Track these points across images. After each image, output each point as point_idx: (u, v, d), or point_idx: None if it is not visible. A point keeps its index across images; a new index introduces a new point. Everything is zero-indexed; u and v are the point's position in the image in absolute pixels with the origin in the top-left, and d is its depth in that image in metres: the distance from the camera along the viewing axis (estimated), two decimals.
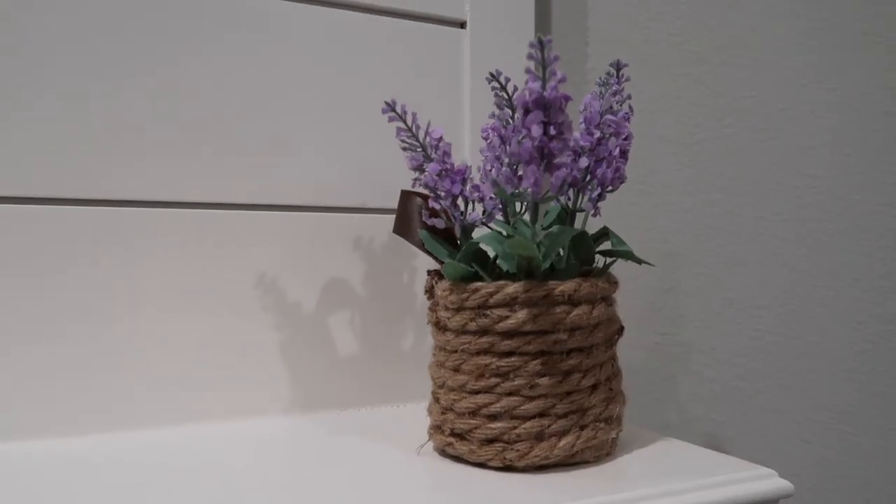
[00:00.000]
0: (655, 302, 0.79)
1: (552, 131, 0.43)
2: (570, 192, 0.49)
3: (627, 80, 0.54)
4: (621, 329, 0.51)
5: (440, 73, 0.70)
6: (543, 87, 0.42)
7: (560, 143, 0.43)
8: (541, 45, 0.42)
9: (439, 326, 0.50)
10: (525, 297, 0.45)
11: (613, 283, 0.49)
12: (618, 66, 0.53)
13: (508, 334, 0.46)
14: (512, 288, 0.45)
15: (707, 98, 0.77)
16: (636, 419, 0.80)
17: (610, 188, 0.52)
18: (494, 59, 0.71)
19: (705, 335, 0.78)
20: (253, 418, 0.61)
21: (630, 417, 0.75)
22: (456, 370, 0.48)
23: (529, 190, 0.44)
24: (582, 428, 0.47)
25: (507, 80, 0.50)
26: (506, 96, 0.53)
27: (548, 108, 0.43)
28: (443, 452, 0.49)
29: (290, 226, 0.64)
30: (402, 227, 0.54)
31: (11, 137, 0.54)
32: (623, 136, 0.49)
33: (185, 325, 0.59)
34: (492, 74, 0.52)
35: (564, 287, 0.46)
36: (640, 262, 0.50)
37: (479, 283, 0.46)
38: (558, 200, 0.51)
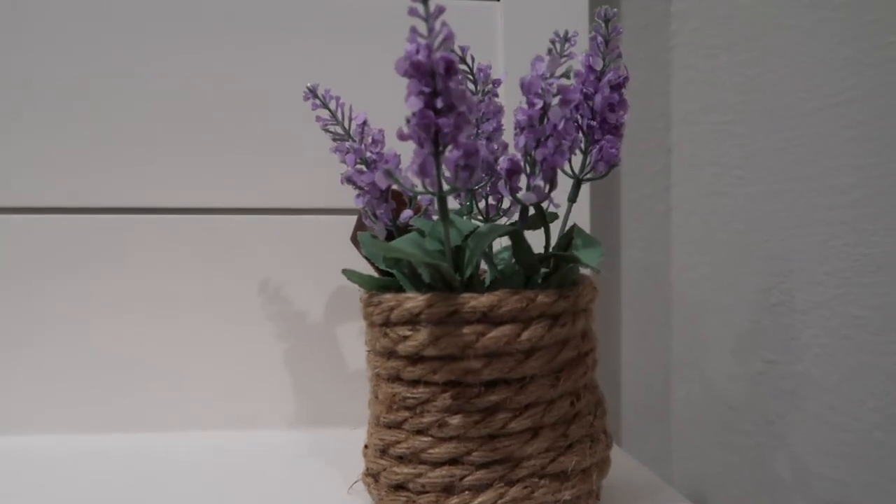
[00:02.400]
0: (759, 320, 0.61)
1: (439, 104, 0.34)
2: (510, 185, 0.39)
3: (618, 33, 0.41)
4: (586, 355, 0.39)
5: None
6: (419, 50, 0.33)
7: (450, 118, 0.34)
8: None
9: (367, 345, 0.42)
10: (428, 314, 0.36)
11: (567, 297, 0.37)
12: (605, 17, 0.41)
13: (412, 359, 0.37)
14: (412, 302, 0.37)
15: (824, 52, 0.58)
16: (729, 469, 0.63)
17: (589, 173, 0.40)
18: (530, 32, 0.61)
19: (828, 366, 0.58)
20: (254, 430, 0.59)
21: (721, 466, 0.60)
22: (375, 396, 0.41)
23: (426, 180, 0.35)
24: (510, 484, 0.36)
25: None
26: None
27: (429, 75, 0.34)
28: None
29: (297, 230, 0.60)
30: (354, 235, 0.48)
31: (21, 150, 0.57)
32: (573, 104, 0.38)
33: (187, 331, 0.59)
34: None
35: (477, 301, 0.36)
36: (595, 269, 0.38)
37: (386, 296, 0.38)
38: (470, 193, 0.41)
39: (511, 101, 0.44)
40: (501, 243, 0.51)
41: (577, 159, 0.42)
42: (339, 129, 0.43)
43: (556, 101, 0.38)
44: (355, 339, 0.61)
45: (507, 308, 0.36)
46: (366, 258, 0.44)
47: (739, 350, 0.62)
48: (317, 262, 0.60)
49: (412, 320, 0.37)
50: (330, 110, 0.43)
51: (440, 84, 0.34)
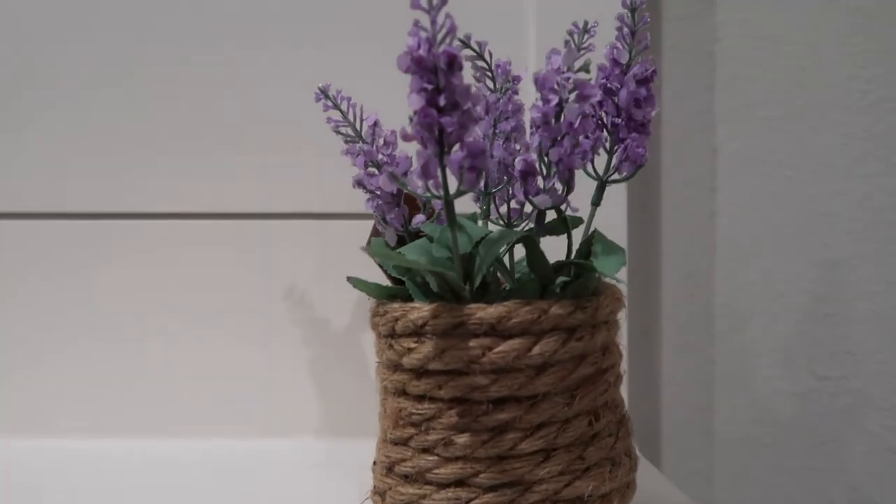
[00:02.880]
0: (812, 331, 0.57)
1: (442, 102, 0.32)
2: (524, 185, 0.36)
3: (645, 23, 0.38)
4: (606, 371, 0.36)
5: (502, 30, 0.59)
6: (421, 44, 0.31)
7: (454, 117, 0.32)
8: None
9: (377, 356, 0.40)
10: (433, 325, 0.34)
11: (585, 308, 0.35)
12: (631, 7, 0.38)
13: (417, 372, 0.35)
14: (417, 312, 0.34)
15: (889, 39, 0.53)
16: (777, 493, 0.58)
17: (613, 174, 0.38)
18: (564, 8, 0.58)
19: (888, 383, 0.53)
20: (276, 438, 0.58)
21: (768, 490, 0.56)
22: (384, 410, 0.39)
23: (430, 183, 0.33)
24: None
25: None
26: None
27: (431, 71, 0.32)
28: None
29: (323, 234, 0.59)
30: (370, 242, 0.46)
31: (32, 154, 0.58)
32: (591, 99, 0.35)
33: (210, 336, 0.59)
34: (461, 41, 0.41)
35: (485, 313, 0.33)
36: (614, 279, 0.35)
37: (392, 305, 0.36)
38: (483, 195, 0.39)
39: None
40: (522, 253, 0.48)
41: (602, 160, 0.40)
42: (350, 131, 0.41)
43: (572, 96, 0.35)
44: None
45: (517, 320, 0.33)
46: (379, 265, 0.42)
47: (790, 364, 0.58)
48: (342, 268, 0.59)
49: (417, 332, 0.35)
50: (341, 111, 0.41)
51: (442, 80, 0.31)
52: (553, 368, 0.34)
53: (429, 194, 0.34)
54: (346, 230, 0.59)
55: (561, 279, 0.38)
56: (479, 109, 0.40)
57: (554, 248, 0.39)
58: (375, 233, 0.45)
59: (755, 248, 0.60)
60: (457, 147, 0.33)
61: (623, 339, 0.57)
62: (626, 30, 0.39)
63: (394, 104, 0.44)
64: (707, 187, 0.62)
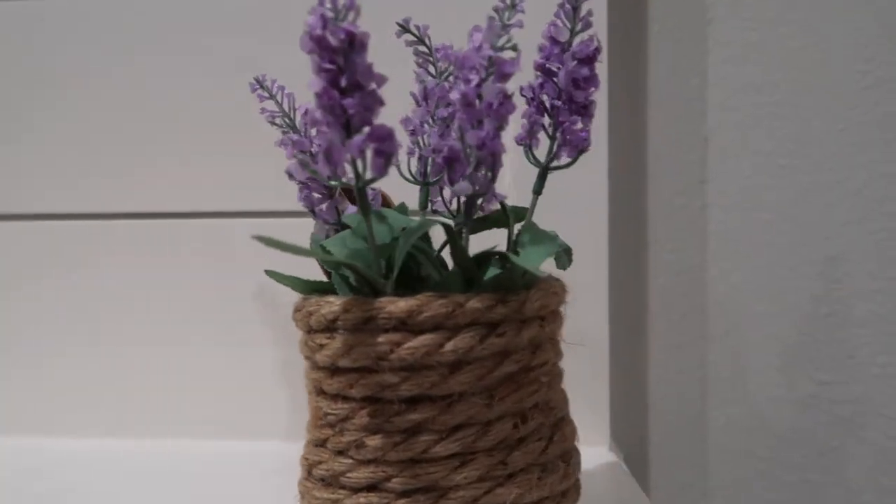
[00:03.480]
0: (810, 333, 0.52)
1: (343, 83, 0.30)
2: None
3: None
4: (535, 369, 0.33)
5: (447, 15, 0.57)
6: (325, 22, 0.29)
7: (356, 98, 0.30)
8: None
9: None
10: (344, 320, 0.32)
11: (507, 303, 0.32)
12: None
13: (329, 370, 0.33)
14: (329, 307, 0.33)
15: (890, 17, 0.49)
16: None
17: (553, 160, 0.35)
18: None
19: (891, 388, 0.49)
20: (254, 441, 0.57)
21: (768, 501, 0.53)
22: (309, 409, 0.37)
23: (336, 169, 0.31)
24: None
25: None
26: (426, 49, 0.40)
27: (332, 50, 0.30)
28: None
29: (298, 233, 0.58)
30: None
31: (22, 155, 0.59)
32: (510, 77, 0.33)
33: (199, 337, 0.58)
34: (400, 25, 0.39)
35: (395, 307, 0.31)
36: (535, 272, 0.32)
37: (310, 300, 0.35)
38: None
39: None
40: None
41: (544, 149, 0.37)
42: (286, 122, 0.40)
43: (489, 81, 0.33)
44: None
45: (429, 314, 0.31)
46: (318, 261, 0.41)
47: (787, 369, 0.54)
48: (313, 266, 0.58)
49: (329, 327, 0.33)
50: (276, 101, 0.40)
51: (341, 60, 0.30)
52: (470, 366, 0.32)
53: (336, 182, 0.32)
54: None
55: (494, 272, 0.35)
56: (421, 95, 0.38)
57: (497, 240, 0.37)
58: None
59: (749, 244, 0.56)
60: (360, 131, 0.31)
61: (605, 340, 0.54)
62: (567, 5, 0.37)
63: None
64: (697, 179, 0.58)
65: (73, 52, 0.58)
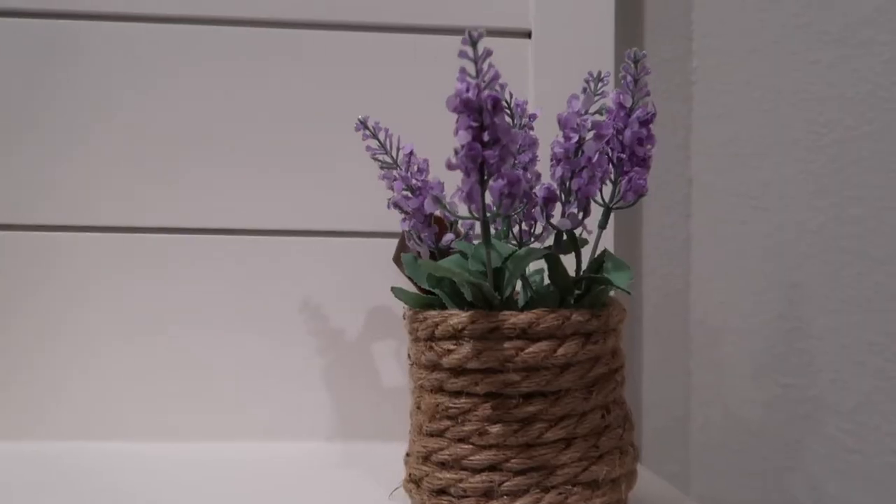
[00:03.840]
0: (777, 345, 0.64)
1: (486, 137, 0.37)
2: (541, 212, 0.42)
3: (647, 73, 0.45)
4: (615, 371, 0.42)
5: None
6: (468, 89, 0.37)
7: (496, 150, 0.37)
8: (471, 40, 0.37)
9: (410, 358, 0.45)
10: (471, 329, 0.39)
11: (599, 317, 0.40)
12: (634, 59, 0.45)
13: (455, 371, 0.40)
14: (457, 318, 0.40)
15: (842, 88, 0.61)
16: (747, 492, 0.65)
17: (618, 202, 0.43)
18: (559, 67, 0.65)
19: (843, 391, 0.61)
20: (293, 442, 0.62)
21: (739, 489, 0.62)
22: (418, 407, 0.44)
23: (472, 206, 0.38)
24: (545, 490, 0.39)
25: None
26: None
27: (477, 111, 0.37)
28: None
29: (337, 251, 0.64)
30: (397, 255, 0.51)
31: (73, 171, 0.62)
32: (606, 138, 0.41)
33: (229, 348, 0.62)
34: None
35: (517, 319, 0.39)
36: (627, 292, 0.41)
37: (431, 312, 0.41)
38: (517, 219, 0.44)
39: (541, 133, 0.47)
40: (532, 267, 0.54)
41: (606, 189, 0.46)
42: (387, 158, 0.47)
43: (590, 135, 0.41)
44: (391, 357, 0.63)
45: (545, 325, 0.39)
46: (408, 277, 0.47)
47: (757, 375, 0.65)
48: (355, 283, 0.63)
49: (456, 335, 0.40)
50: (379, 141, 0.47)
51: (487, 119, 0.37)
52: (574, 367, 0.39)
53: (468, 216, 0.39)
54: (360, 247, 0.63)
55: (575, 293, 0.43)
56: (519, 110, 0.45)
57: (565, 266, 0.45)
58: (402, 248, 0.50)
59: (725, 270, 0.67)
60: (495, 176, 0.38)
61: None
62: (629, 78, 0.46)
63: (417, 136, 0.49)
64: (683, 215, 0.68)
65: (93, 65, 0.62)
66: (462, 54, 0.37)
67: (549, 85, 0.65)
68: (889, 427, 0.58)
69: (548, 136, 0.44)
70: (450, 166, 0.38)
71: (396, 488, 0.46)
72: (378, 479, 0.51)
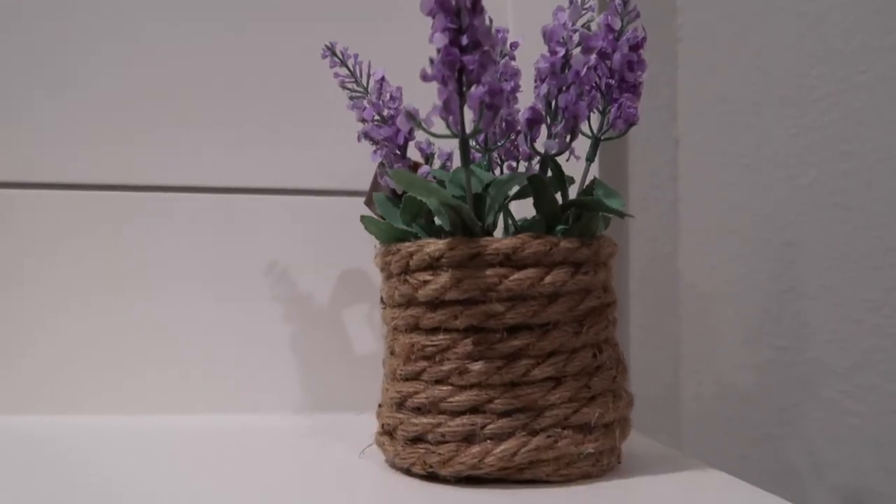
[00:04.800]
0: (770, 307, 0.61)
1: (464, 41, 0.34)
2: (525, 136, 0.39)
3: None
4: (607, 306, 0.38)
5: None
6: None
7: (475, 56, 0.34)
8: None
9: (382, 302, 0.41)
10: (450, 257, 0.35)
11: (589, 246, 0.37)
12: None
13: (432, 304, 0.36)
14: (433, 246, 0.36)
15: (832, 41, 0.59)
16: (742, 462, 0.62)
17: (607, 131, 0.40)
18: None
19: (840, 351, 0.58)
20: (258, 414, 0.57)
21: (733, 459, 0.59)
22: (392, 353, 0.40)
23: (450, 118, 0.35)
24: (532, 433, 0.35)
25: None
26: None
27: (454, 12, 0.34)
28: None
29: (306, 211, 0.60)
30: (369, 197, 0.47)
31: (22, 124, 0.57)
32: (595, 51, 0.38)
33: (190, 310, 0.58)
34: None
35: (500, 244, 0.35)
36: (621, 215, 0.37)
37: (405, 244, 0.38)
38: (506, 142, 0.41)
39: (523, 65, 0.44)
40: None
41: (595, 121, 0.43)
42: (356, 87, 0.43)
43: (577, 50, 0.38)
44: (363, 322, 0.59)
45: (531, 251, 0.35)
46: (380, 217, 0.44)
47: (750, 339, 0.62)
48: (324, 244, 0.59)
49: (433, 265, 0.36)
50: (348, 67, 0.43)
51: (466, 20, 0.34)
52: (563, 298, 0.36)
53: (444, 134, 0.36)
54: (327, 207, 0.60)
55: (560, 227, 0.40)
56: (500, 36, 0.42)
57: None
58: (375, 188, 0.46)
59: (716, 232, 0.64)
60: (476, 85, 0.35)
61: None
62: (617, 1, 0.43)
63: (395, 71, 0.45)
64: (669, 176, 0.66)
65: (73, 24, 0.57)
66: None
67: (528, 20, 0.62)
68: (889, 386, 0.56)
69: (529, 77, 0.41)
70: (425, 77, 0.35)
71: (368, 445, 0.42)
72: (349, 444, 0.47)
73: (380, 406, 0.41)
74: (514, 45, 0.45)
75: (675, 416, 0.64)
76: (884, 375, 0.56)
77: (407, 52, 0.43)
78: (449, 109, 0.34)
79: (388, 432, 0.39)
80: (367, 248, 0.60)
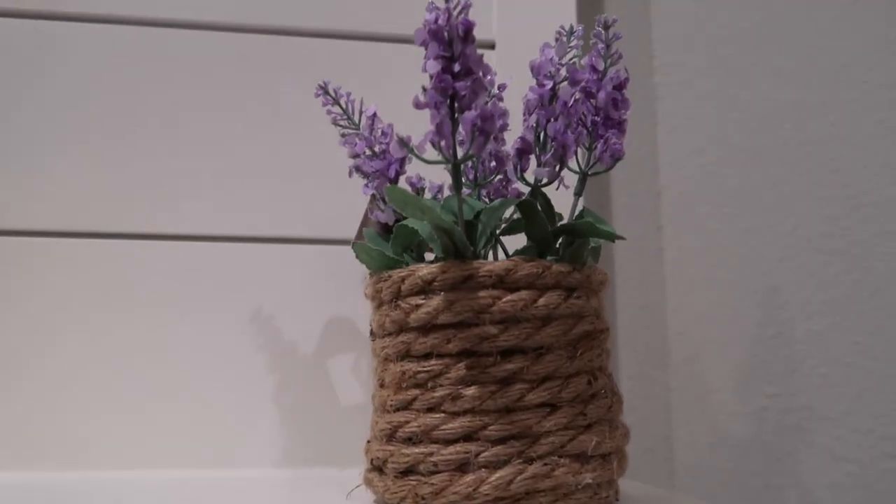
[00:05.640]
0: (759, 353, 0.61)
1: (456, 68, 0.35)
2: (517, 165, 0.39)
3: (617, 38, 0.44)
4: (601, 332, 0.38)
5: None
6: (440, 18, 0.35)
7: (467, 82, 0.35)
8: None
9: (372, 334, 0.41)
10: (442, 280, 0.35)
11: (581, 271, 0.37)
12: (605, 24, 0.44)
13: (424, 329, 0.36)
14: (426, 270, 0.36)
15: (803, 94, 0.62)
16: None
17: (595, 165, 0.41)
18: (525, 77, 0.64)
19: (831, 396, 0.57)
20: (238, 469, 0.55)
21: None
22: (381, 385, 0.39)
23: (442, 143, 0.35)
24: (528, 461, 0.34)
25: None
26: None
27: (447, 42, 0.35)
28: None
29: (292, 259, 0.59)
30: (359, 233, 0.47)
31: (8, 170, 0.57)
32: (581, 83, 0.39)
33: (172, 361, 0.56)
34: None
35: (493, 266, 0.35)
36: (612, 238, 0.38)
37: (396, 270, 0.37)
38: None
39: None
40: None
41: (581, 158, 0.43)
42: (349, 124, 0.44)
43: (565, 83, 0.39)
44: (348, 372, 0.58)
45: (524, 273, 0.35)
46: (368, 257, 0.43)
47: (741, 386, 0.61)
48: (310, 293, 0.59)
49: (425, 289, 0.36)
50: (341, 106, 0.44)
51: (458, 48, 0.35)
52: (556, 322, 0.36)
53: (436, 160, 0.36)
54: (313, 255, 0.59)
55: (550, 258, 0.40)
56: (489, 79, 0.43)
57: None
58: (365, 223, 0.47)
59: (702, 279, 0.64)
60: (469, 109, 0.35)
61: None
62: (601, 44, 0.44)
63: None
64: (654, 226, 0.67)
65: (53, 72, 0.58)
66: None
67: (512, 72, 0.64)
68: (883, 430, 0.55)
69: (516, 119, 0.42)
70: (418, 105, 0.36)
71: (357, 486, 0.40)
72: (334, 492, 0.45)
73: (368, 442, 0.39)
74: (503, 87, 0.47)
75: (670, 467, 0.63)
76: (876, 419, 0.55)
77: (398, 108, 0.44)
78: (441, 133, 0.35)
79: (377, 468, 0.37)
80: (353, 298, 0.60)
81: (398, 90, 0.47)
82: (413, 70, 0.35)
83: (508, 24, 0.65)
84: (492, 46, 0.65)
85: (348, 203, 0.56)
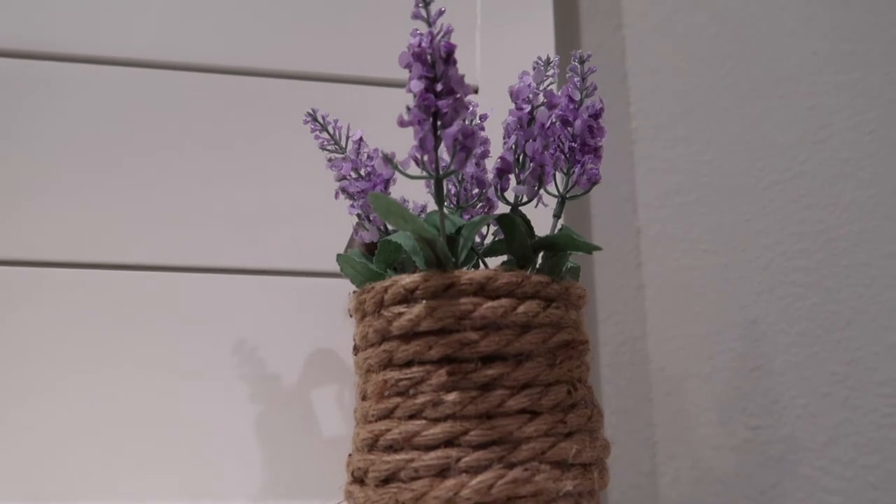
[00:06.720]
0: (741, 386, 0.61)
1: (439, 88, 0.37)
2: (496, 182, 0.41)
3: (593, 71, 0.46)
4: (583, 344, 0.38)
5: None
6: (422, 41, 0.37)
7: (449, 100, 0.37)
8: (424, 1, 0.38)
9: (355, 350, 0.41)
10: (424, 288, 0.36)
11: (559, 283, 0.38)
12: (580, 59, 0.46)
13: (406, 336, 0.36)
14: (408, 279, 0.37)
15: (774, 135, 0.65)
16: None
17: (572, 188, 0.43)
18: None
19: (812, 426, 0.58)
20: (219, 503, 0.54)
21: None
22: (363, 397, 0.39)
23: (424, 158, 0.37)
24: (509, 466, 0.34)
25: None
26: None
27: (430, 64, 0.37)
28: None
29: (274, 291, 0.60)
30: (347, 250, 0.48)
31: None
32: (559, 107, 0.41)
33: (152, 393, 0.56)
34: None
35: (474, 275, 0.36)
36: (590, 250, 0.39)
37: (380, 281, 0.38)
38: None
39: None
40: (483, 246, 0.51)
41: (560, 183, 0.45)
42: (336, 149, 0.45)
43: (542, 108, 0.41)
44: (332, 403, 0.58)
45: (504, 281, 0.36)
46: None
47: (724, 420, 0.61)
48: (293, 325, 0.59)
49: (408, 297, 0.36)
50: (329, 132, 0.46)
51: (440, 69, 0.37)
52: (536, 330, 0.36)
53: (419, 175, 0.38)
54: (300, 288, 0.60)
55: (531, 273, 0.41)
56: (469, 99, 0.45)
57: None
58: (351, 246, 0.48)
59: (682, 315, 0.65)
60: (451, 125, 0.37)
61: None
62: (577, 78, 0.47)
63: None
64: (634, 264, 0.68)
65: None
66: (416, 14, 0.38)
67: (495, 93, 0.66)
68: (863, 459, 0.55)
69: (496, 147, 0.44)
70: (402, 123, 0.37)
71: (339, 502, 0.40)
72: None
73: (350, 455, 0.39)
74: (484, 117, 0.49)
75: (655, 503, 0.62)
76: (857, 448, 0.56)
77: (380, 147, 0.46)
78: (424, 148, 0.36)
79: (358, 479, 0.37)
80: (337, 330, 0.60)
81: (379, 130, 0.49)
82: (395, 113, 0.37)
83: (491, 68, 0.69)
84: (475, 91, 0.68)
85: (333, 236, 0.58)
